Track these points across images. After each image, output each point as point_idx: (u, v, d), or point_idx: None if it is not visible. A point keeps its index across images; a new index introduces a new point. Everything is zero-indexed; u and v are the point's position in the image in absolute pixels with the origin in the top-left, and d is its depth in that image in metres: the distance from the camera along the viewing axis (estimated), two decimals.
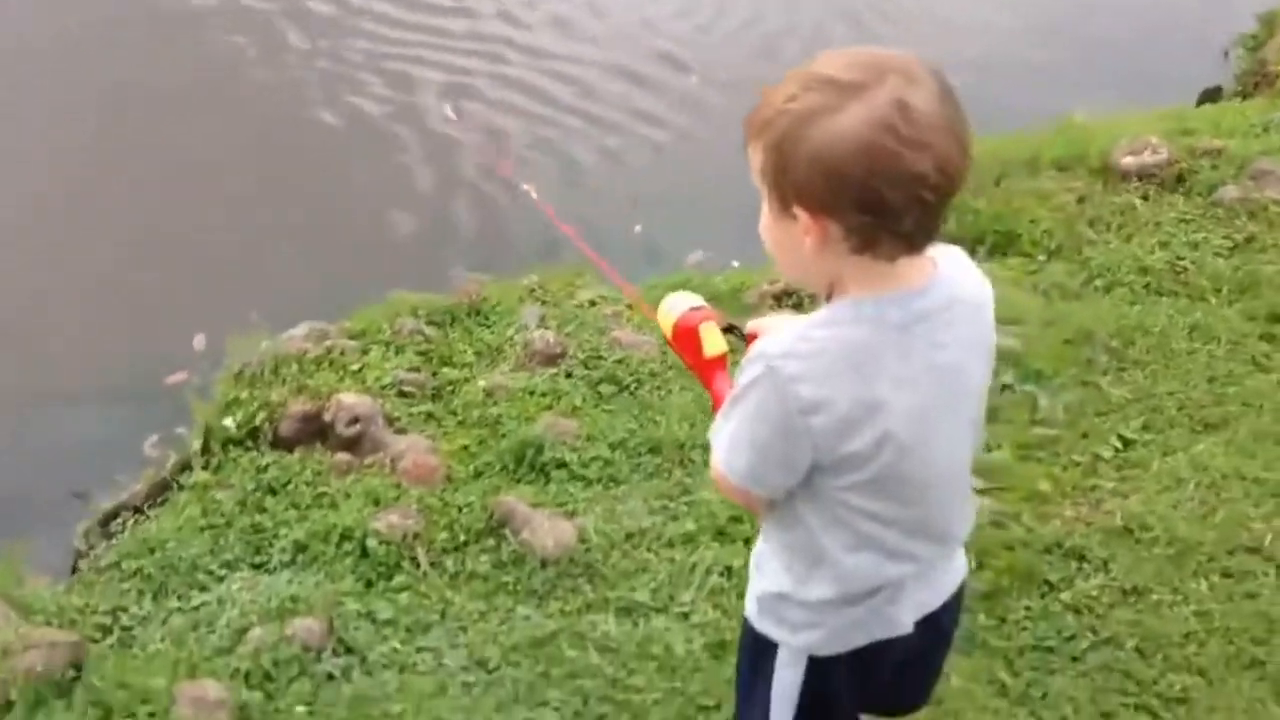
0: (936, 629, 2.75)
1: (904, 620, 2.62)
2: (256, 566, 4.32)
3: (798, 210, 2.22)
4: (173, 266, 6.74)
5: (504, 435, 4.80)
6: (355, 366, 5.15)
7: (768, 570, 2.66)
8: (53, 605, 4.08)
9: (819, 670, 2.67)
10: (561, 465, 4.68)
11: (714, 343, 2.69)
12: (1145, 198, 6.12)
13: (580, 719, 3.72)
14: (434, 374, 5.20)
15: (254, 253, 6.88)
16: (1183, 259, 5.65)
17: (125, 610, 4.13)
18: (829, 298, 2.36)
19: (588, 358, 5.27)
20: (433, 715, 3.73)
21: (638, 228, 7.12)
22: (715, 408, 2.64)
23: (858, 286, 2.31)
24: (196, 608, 4.11)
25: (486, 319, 5.53)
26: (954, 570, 2.73)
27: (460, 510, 4.45)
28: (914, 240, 2.24)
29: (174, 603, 4.15)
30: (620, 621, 4.05)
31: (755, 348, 2.36)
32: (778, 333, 2.41)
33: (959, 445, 2.51)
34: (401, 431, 4.86)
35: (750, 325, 2.68)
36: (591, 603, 4.14)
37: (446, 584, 4.22)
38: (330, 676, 3.84)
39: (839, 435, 2.29)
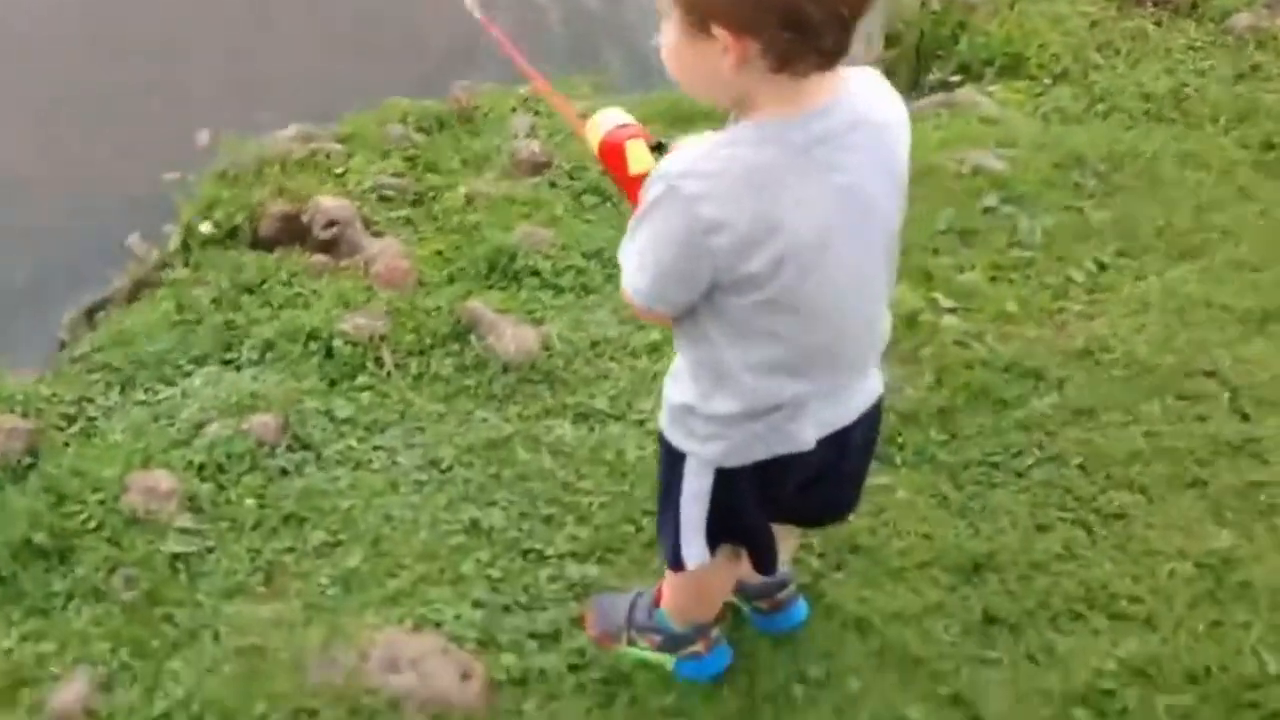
0: (843, 445, 2.75)
1: (805, 437, 2.63)
2: (225, 363, 4.34)
3: (717, 30, 2.16)
4: (188, 65, 6.65)
5: (480, 242, 4.76)
6: (339, 170, 5.13)
7: (678, 383, 2.67)
8: (19, 394, 4.11)
9: (724, 480, 2.70)
10: (534, 273, 4.65)
11: (639, 160, 2.64)
12: (1158, 23, 5.96)
13: (526, 519, 3.73)
14: (417, 180, 5.18)
15: (273, 53, 6.78)
16: (1186, 86, 5.51)
17: (91, 401, 4.17)
18: (735, 119, 2.33)
19: (574, 168, 5.22)
20: (382, 511, 3.76)
21: None
22: (633, 201, 2.61)
23: (767, 105, 2.28)
24: (159, 401, 4.15)
25: (477, 127, 5.47)
26: (865, 391, 2.73)
27: (428, 314, 4.44)
28: (830, 57, 2.20)
29: (139, 395, 4.19)
30: (576, 427, 4.06)
31: (658, 167, 2.34)
32: (680, 152, 2.36)
33: (865, 272, 2.49)
34: (379, 235, 4.85)
35: (679, 143, 2.61)
36: (550, 408, 4.15)
37: (408, 386, 4.22)
38: (283, 471, 3.88)
39: (739, 255, 2.28)
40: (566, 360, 4.27)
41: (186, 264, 4.79)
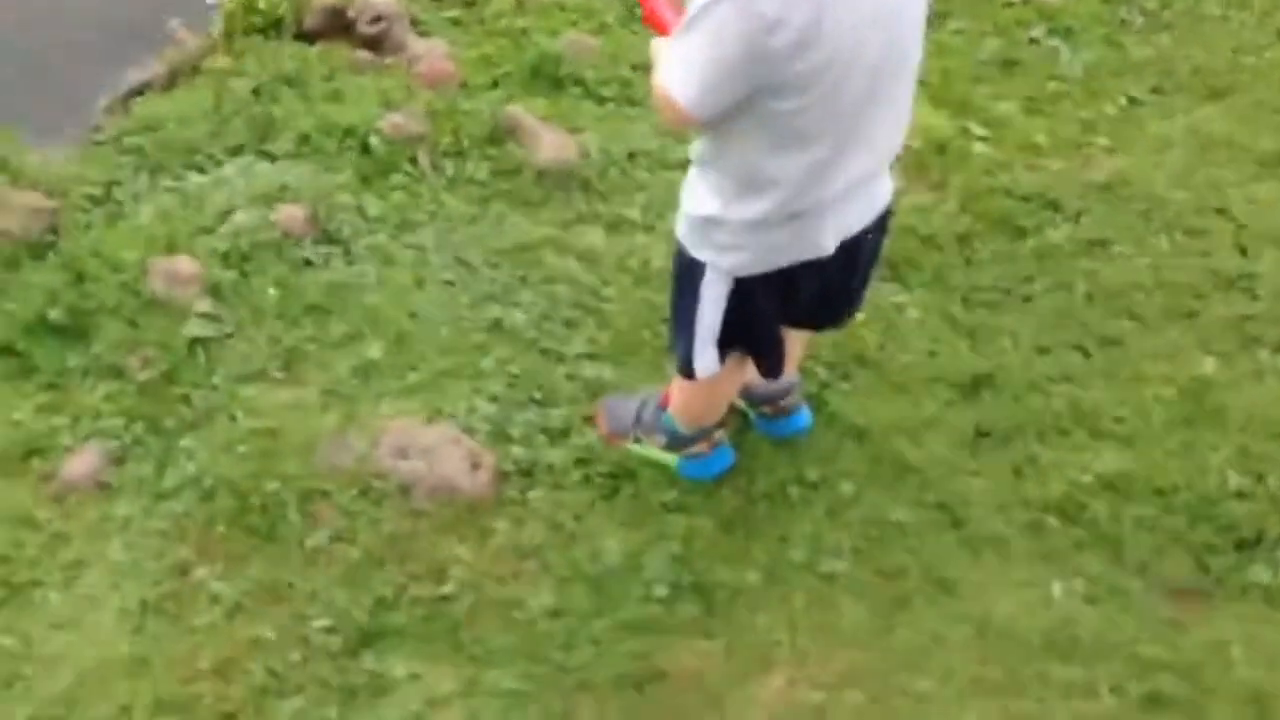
0: (855, 251, 2.78)
1: (825, 243, 2.67)
2: (259, 154, 4.27)
3: None
4: None
5: (526, 47, 4.63)
6: None
7: (697, 195, 2.68)
8: (45, 173, 4.05)
9: (742, 290, 2.74)
10: (578, 82, 4.55)
11: None
12: None
13: (548, 320, 3.69)
14: None
15: None
16: None
17: (119, 184, 4.13)
18: None
19: None
20: (407, 307, 3.72)
21: None
22: (646, 20, 2.70)
23: None
24: (188, 188, 4.08)
25: None
26: (878, 195, 2.76)
27: (468, 116, 4.35)
28: None
29: (168, 181, 4.14)
30: (606, 235, 4.00)
31: None
32: None
33: (895, 74, 2.50)
34: (425, 35, 4.74)
35: None
36: (581, 216, 4.08)
37: (443, 187, 4.16)
38: (308, 263, 3.83)
39: (791, 55, 2.29)
40: (601, 169, 4.18)
41: (227, 52, 4.65)
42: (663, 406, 3.24)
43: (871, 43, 2.37)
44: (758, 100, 2.38)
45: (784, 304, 2.82)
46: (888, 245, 2.98)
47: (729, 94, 2.39)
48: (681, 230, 2.76)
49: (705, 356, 2.86)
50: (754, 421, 3.40)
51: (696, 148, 2.65)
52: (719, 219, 2.63)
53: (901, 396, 3.45)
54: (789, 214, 2.58)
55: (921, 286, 3.78)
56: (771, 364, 2.98)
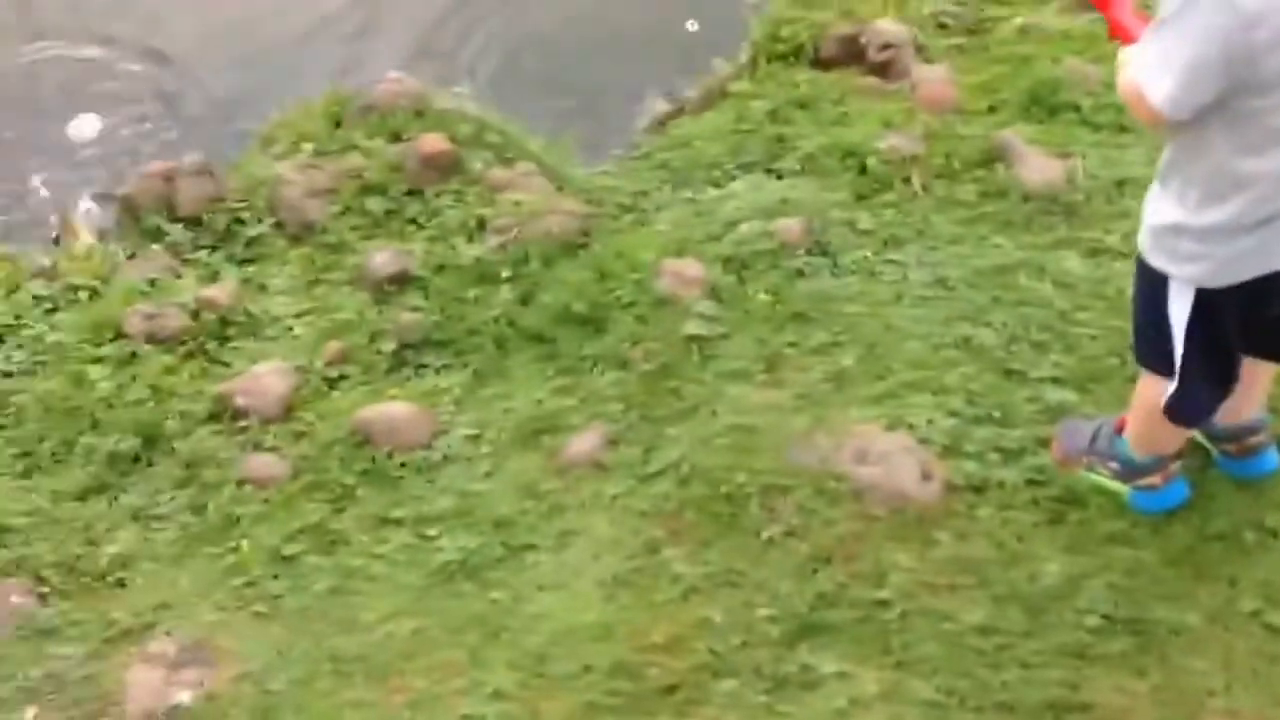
0: None
1: None
2: (768, 171, 4.61)
3: None
4: None
5: (1025, 74, 4.76)
6: None
7: (1161, 204, 2.72)
8: (587, 184, 4.56)
9: (1206, 304, 2.73)
10: (1074, 108, 4.63)
11: None
12: None
13: (1017, 341, 3.81)
14: (978, 9, 5.18)
15: None
16: None
17: (646, 195, 4.58)
18: None
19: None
20: (883, 320, 3.94)
21: None
22: (1112, 33, 2.76)
23: None
24: (704, 199, 4.47)
25: None
26: None
27: (962, 140, 4.52)
28: None
29: (687, 193, 4.54)
30: (1085, 261, 4.06)
31: None
32: None
33: None
34: (929, 61, 4.93)
35: None
36: (1062, 240, 4.16)
37: (931, 207, 4.35)
38: (800, 272, 4.12)
39: (1270, 50, 2.34)
40: (1088, 195, 4.24)
41: (751, 78, 5.04)
42: (1118, 431, 3.27)
43: None
44: (1233, 98, 2.42)
45: (1247, 326, 2.78)
46: None
47: (1205, 92, 2.43)
48: (1144, 242, 2.80)
49: (1198, 398, 2.90)
50: (1215, 459, 3.35)
51: (1163, 157, 2.69)
52: (1182, 226, 2.66)
53: None
54: (1257, 219, 2.58)
55: None
56: (1220, 394, 2.95)
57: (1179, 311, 2.76)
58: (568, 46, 6.04)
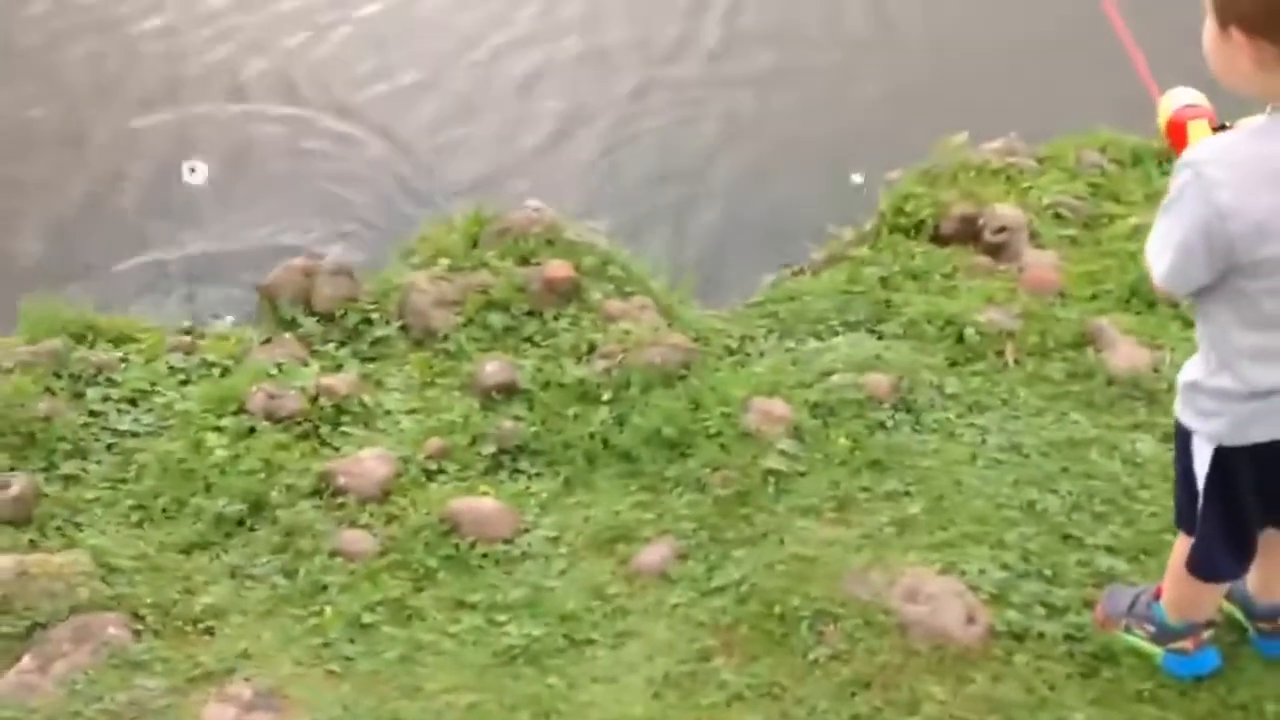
0: None
1: None
2: (870, 332, 4.97)
3: (1234, 31, 2.52)
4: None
5: (1131, 270, 5.06)
6: (1025, 184, 5.59)
7: (1191, 364, 2.99)
8: (698, 325, 4.99)
9: (1223, 461, 2.96)
10: (1173, 305, 4.88)
11: (1199, 138, 2.86)
12: None
13: (1079, 510, 4.08)
14: (1095, 205, 5.53)
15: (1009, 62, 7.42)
16: None
17: (751, 339, 4.98)
18: (1270, 109, 2.61)
19: None
20: (954, 476, 4.24)
21: None
22: None
23: None
24: (804, 350, 4.85)
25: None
26: None
27: (1058, 321, 4.84)
28: None
29: (790, 343, 4.93)
30: (1156, 443, 4.30)
31: (1185, 154, 2.66)
32: (1208, 141, 2.72)
33: None
34: (1040, 248, 5.27)
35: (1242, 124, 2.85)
36: (1139, 423, 4.43)
37: (1019, 380, 4.66)
38: (882, 425, 4.46)
39: (1253, 240, 2.57)
40: (1171, 385, 4.48)
41: (872, 246, 5.45)
42: (1155, 597, 3.51)
43: None
44: (1230, 276, 2.65)
45: (1262, 491, 2.99)
46: None
47: (1198, 272, 2.68)
48: (1178, 400, 3.04)
49: (1217, 555, 3.13)
50: (1250, 636, 3.55)
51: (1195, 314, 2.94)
52: (1200, 385, 2.91)
53: None
54: (1253, 391, 2.81)
55: None
56: (1239, 558, 3.17)
57: (1201, 466, 2.99)
58: (710, 196, 6.55)
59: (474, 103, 7.92)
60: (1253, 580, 3.41)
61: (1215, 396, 2.89)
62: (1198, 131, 2.88)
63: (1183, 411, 3.03)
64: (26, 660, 3.70)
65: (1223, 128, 2.85)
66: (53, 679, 3.64)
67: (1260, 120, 2.64)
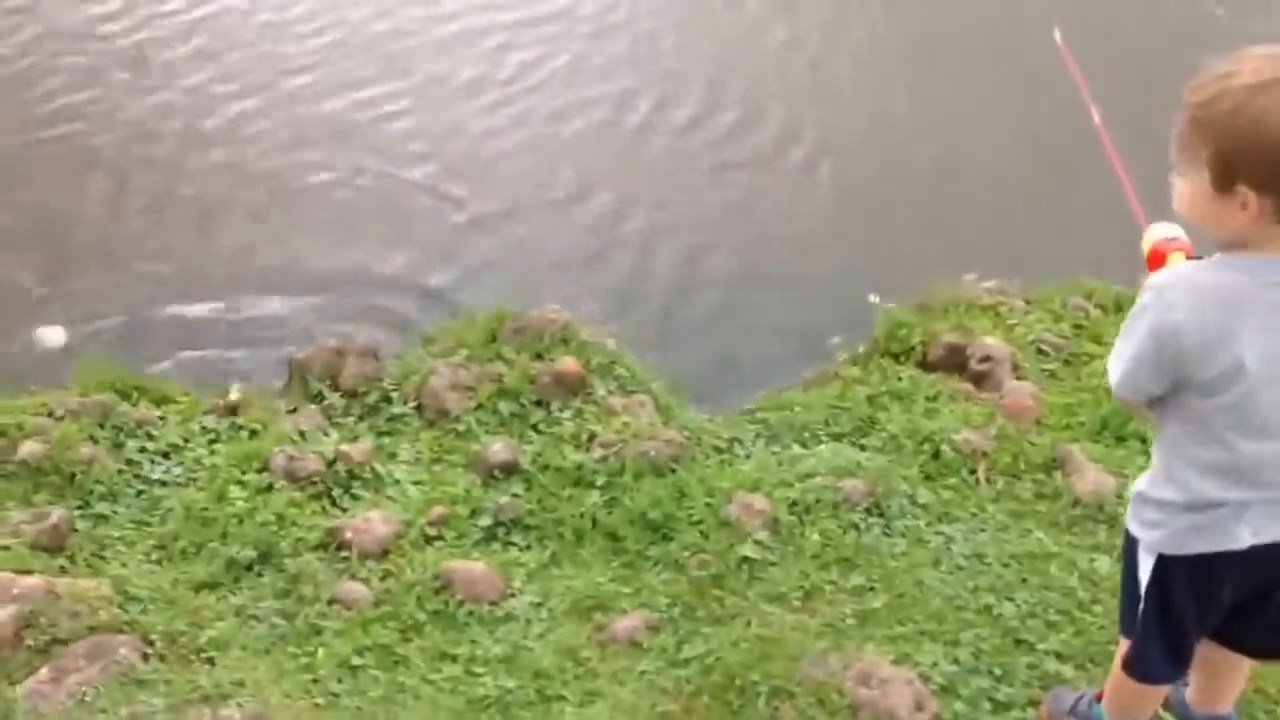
0: (1275, 562, 3.04)
1: (1241, 535, 2.98)
2: (853, 443, 5.22)
3: (1241, 188, 2.71)
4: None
5: (1104, 404, 5.30)
6: (1012, 321, 5.86)
7: (1142, 475, 3.17)
8: (689, 423, 5.25)
9: (1163, 569, 3.12)
10: (1141, 440, 5.11)
11: None
12: None
13: (1032, 617, 4.27)
14: (1078, 344, 5.78)
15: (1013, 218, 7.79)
16: None
17: (740, 442, 5.23)
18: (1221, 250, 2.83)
19: None
20: (918, 577, 4.45)
21: None
22: None
23: (1254, 246, 2.77)
24: (789, 453, 5.10)
25: None
26: None
27: (1031, 446, 5.06)
28: None
29: (775, 447, 5.17)
30: (1114, 564, 4.49)
31: (1149, 280, 2.89)
32: (1169, 269, 2.96)
33: None
34: (1022, 378, 5.52)
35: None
36: (1099, 545, 4.63)
37: (989, 497, 4.88)
38: (855, 526, 4.68)
39: (1199, 358, 2.77)
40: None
41: (864, 366, 5.72)
42: (1097, 699, 3.67)
43: None
44: (1181, 392, 2.84)
45: (1200, 603, 3.13)
46: None
47: (1149, 383, 2.87)
48: (1128, 510, 3.21)
49: (1153, 657, 3.26)
50: None
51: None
52: (1145, 495, 3.09)
53: None
54: (1192, 503, 2.96)
55: None
56: (1175, 663, 3.29)
57: (1143, 573, 3.16)
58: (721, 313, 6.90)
59: None
60: (1191, 691, 3.59)
61: (1158, 508, 3.06)
62: (1177, 262, 3.09)
63: (1130, 520, 3.20)
64: (44, 672, 3.93)
65: (1198, 259, 3.05)
66: (65, 690, 3.86)
67: (1216, 259, 2.85)
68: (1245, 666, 3.54)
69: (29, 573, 4.25)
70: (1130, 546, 3.21)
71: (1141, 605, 3.19)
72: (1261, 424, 2.85)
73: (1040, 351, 5.72)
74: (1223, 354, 2.76)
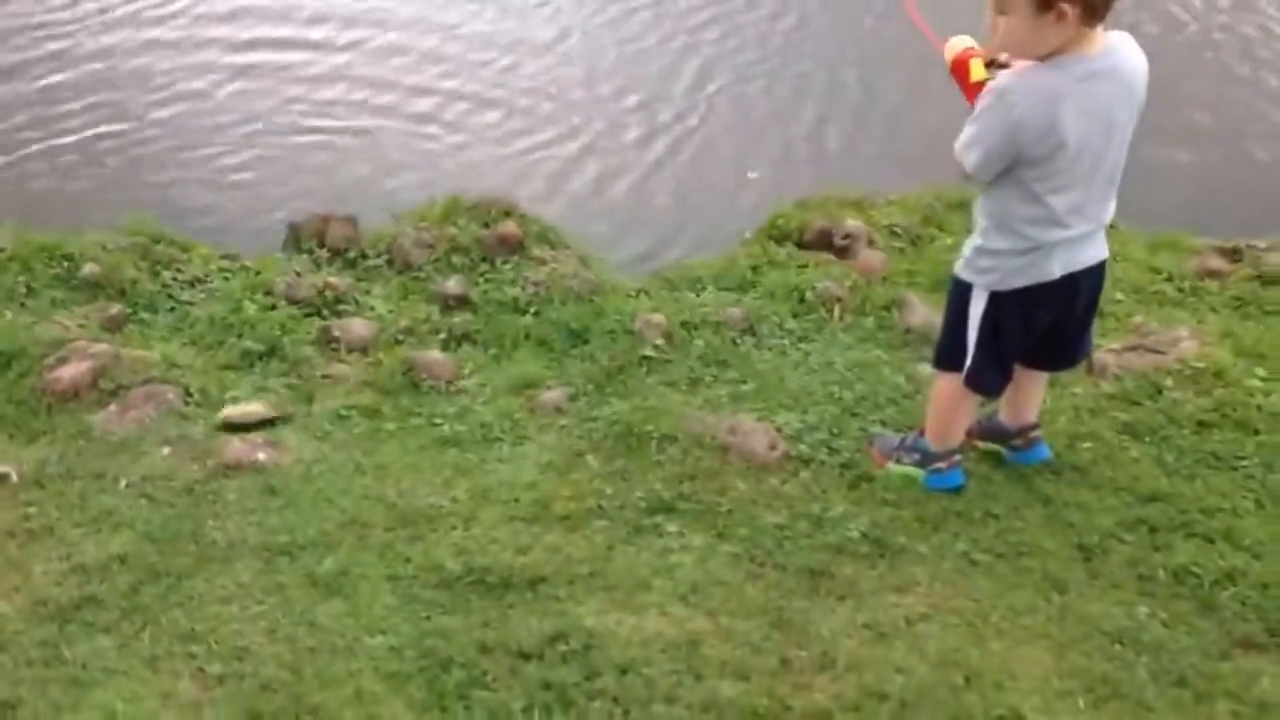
0: (1076, 286, 4.12)
1: (1053, 270, 4.04)
2: (737, 293, 6.29)
3: (1064, 5, 3.64)
4: None
5: (942, 268, 6.40)
6: (873, 212, 7.01)
7: (971, 237, 4.18)
8: (606, 273, 6.32)
9: (995, 304, 4.14)
10: None
11: (978, 72, 3.87)
12: None
13: (865, 401, 5.34)
14: (925, 230, 6.90)
15: None
16: None
17: (647, 293, 6.28)
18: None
19: None
20: (779, 375, 5.50)
21: None
22: (969, 102, 4.06)
23: (1064, 52, 3.74)
24: (686, 296, 6.17)
25: None
26: (1096, 246, 4.12)
27: (876, 293, 6.17)
28: (1101, 14, 3.72)
29: (675, 293, 6.24)
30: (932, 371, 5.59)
31: (993, 83, 3.84)
32: (1006, 76, 3.86)
33: (1108, 159, 3.86)
34: (875, 250, 6.63)
35: (1004, 58, 3.97)
36: (923, 358, 5.71)
37: (840, 327, 5.92)
38: (733, 341, 5.75)
39: (1034, 142, 3.78)
40: None
41: (748, 246, 6.80)
42: (919, 433, 4.68)
43: (1093, 132, 3.67)
44: (1015, 167, 3.83)
45: (1025, 323, 4.12)
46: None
47: (995, 166, 3.84)
48: (958, 265, 4.18)
49: (989, 373, 4.27)
50: (1006, 456, 4.71)
51: (975, 205, 4.11)
52: (982, 248, 4.07)
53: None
54: (1028, 247, 3.96)
55: None
56: (1002, 377, 4.34)
57: (976, 310, 4.12)
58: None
59: None
60: (1005, 410, 4.61)
61: (993, 255, 4.03)
62: (977, 66, 3.97)
63: (964, 271, 4.15)
64: (113, 408, 4.97)
65: (991, 63, 3.97)
66: (129, 419, 4.90)
67: (1038, 65, 3.75)
68: (1044, 382, 4.61)
69: (99, 341, 5.26)
70: (961, 292, 4.18)
71: (976, 335, 4.16)
72: (1075, 181, 3.85)
73: (893, 233, 6.81)
74: (1050, 138, 3.74)
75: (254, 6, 10.34)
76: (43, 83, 9.16)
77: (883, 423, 5.18)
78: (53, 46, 9.61)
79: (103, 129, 8.71)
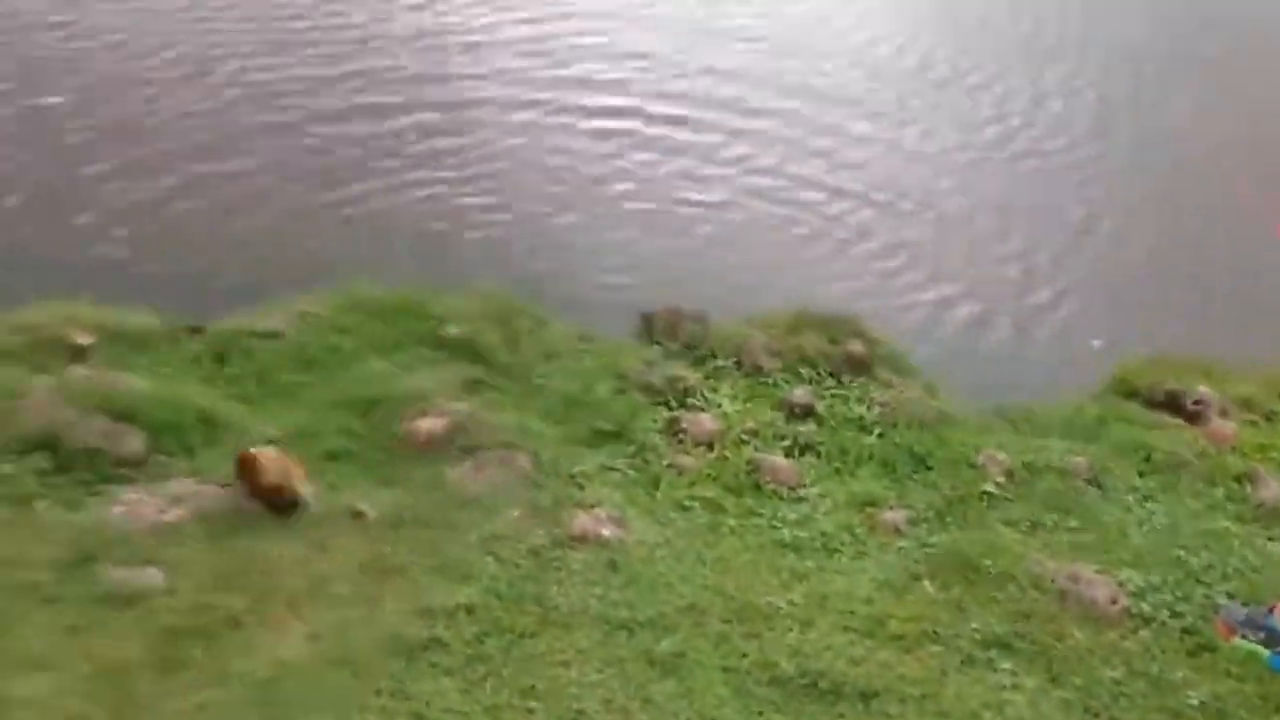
0: None
1: None
2: (1078, 440, 6.20)
3: None
4: None
5: None
6: (1222, 379, 6.78)
7: None
8: (948, 404, 6.33)
9: None
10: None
11: None
12: None
13: (1210, 569, 5.18)
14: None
15: None
16: None
17: (990, 430, 6.25)
18: None
19: None
20: (1122, 530, 5.40)
21: None
22: None
23: None
24: (1034, 441, 6.11)
25: None
26: None
27: (1227, 463, 5.98)
28: None
29: (1018, 434, 6.19)
30: None
31: None
32: None
33: None
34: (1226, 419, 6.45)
35: None
36: (1275, 537, 5.53)
37: (1189, 493, 5.81)
38: (1075, 489, 5.68)
39: None
40: None
41: (1098, 399, 6.70)
42: (1270, 611, 4.55)
43: None
44: None
45: None
46: None
47: None
48: None
49: None
50: None
51: None
52: None
53: None
54: None
55: None
56: None
57: None
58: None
59: None
60: None
61: None
62: None
63: None
64: (468, 465, 5.20)
65: None
66: (482, 478, 5.13)
67: None
68: None
69: (458, 401, 5.54)
70: None
71: None
72: None
73: (1247, 405, 6.61)
74: None
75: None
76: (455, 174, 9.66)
77: (1229, 594, 5.00)
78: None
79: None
